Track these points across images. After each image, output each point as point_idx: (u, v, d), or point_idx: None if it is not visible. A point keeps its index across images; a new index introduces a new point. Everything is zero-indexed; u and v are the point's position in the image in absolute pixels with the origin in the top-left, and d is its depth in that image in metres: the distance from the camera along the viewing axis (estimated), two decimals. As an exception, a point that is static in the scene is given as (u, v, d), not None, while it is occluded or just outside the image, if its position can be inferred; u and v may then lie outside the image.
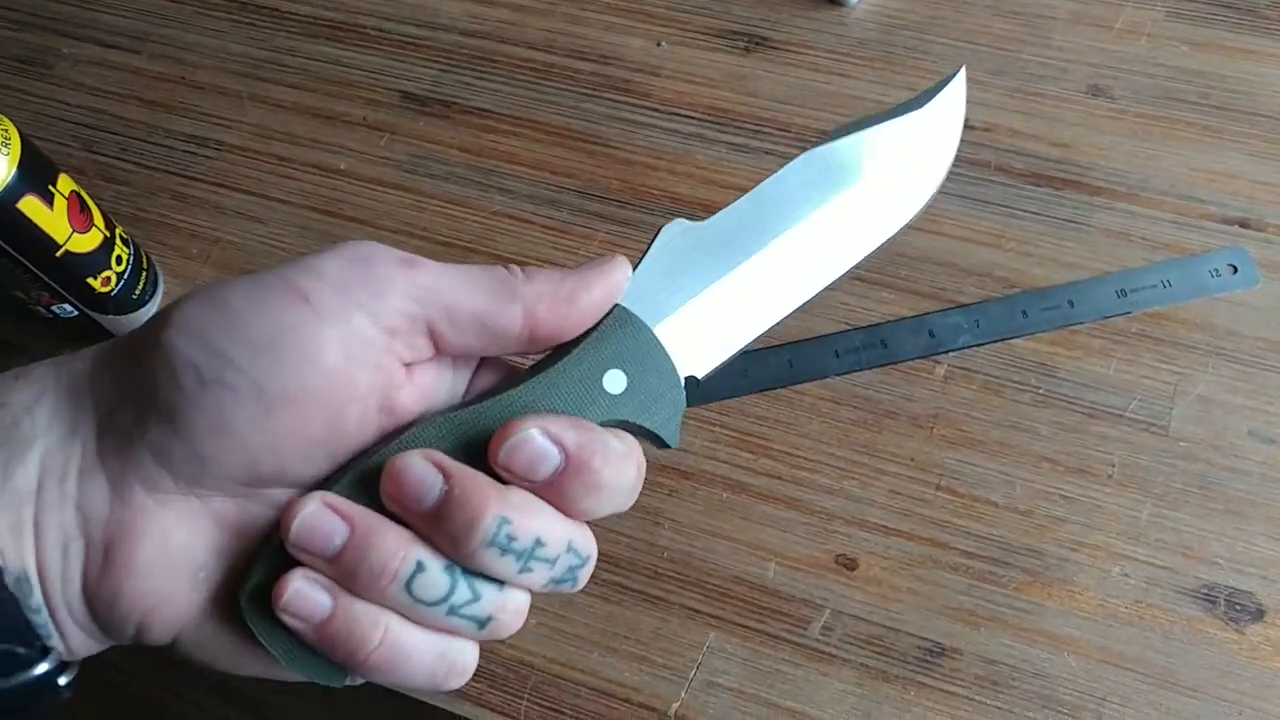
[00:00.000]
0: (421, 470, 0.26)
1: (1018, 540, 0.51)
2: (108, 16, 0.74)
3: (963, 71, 0.36)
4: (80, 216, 0.53)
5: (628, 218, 0.62)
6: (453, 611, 0.27)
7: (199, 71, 0.71)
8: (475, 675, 0.50)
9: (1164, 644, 0.49)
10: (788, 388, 0.56)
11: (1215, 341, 0.55)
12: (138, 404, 0.26)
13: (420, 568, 0.26)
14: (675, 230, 0.32)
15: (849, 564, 0.51)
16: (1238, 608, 0.49)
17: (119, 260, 0.56)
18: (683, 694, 0.50)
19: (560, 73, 0.68)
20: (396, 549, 0.26)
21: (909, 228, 0.35)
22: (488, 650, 0.51)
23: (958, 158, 0.60)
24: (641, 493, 0.53)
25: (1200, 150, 0.60)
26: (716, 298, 0.32)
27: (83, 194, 0.54)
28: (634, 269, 0.32)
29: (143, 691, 0.70)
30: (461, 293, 0.28)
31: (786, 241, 0.32)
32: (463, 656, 0.28)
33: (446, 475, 0.26)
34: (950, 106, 0.36)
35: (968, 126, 0.62)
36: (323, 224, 0.64)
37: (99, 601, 0.26)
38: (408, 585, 0.26)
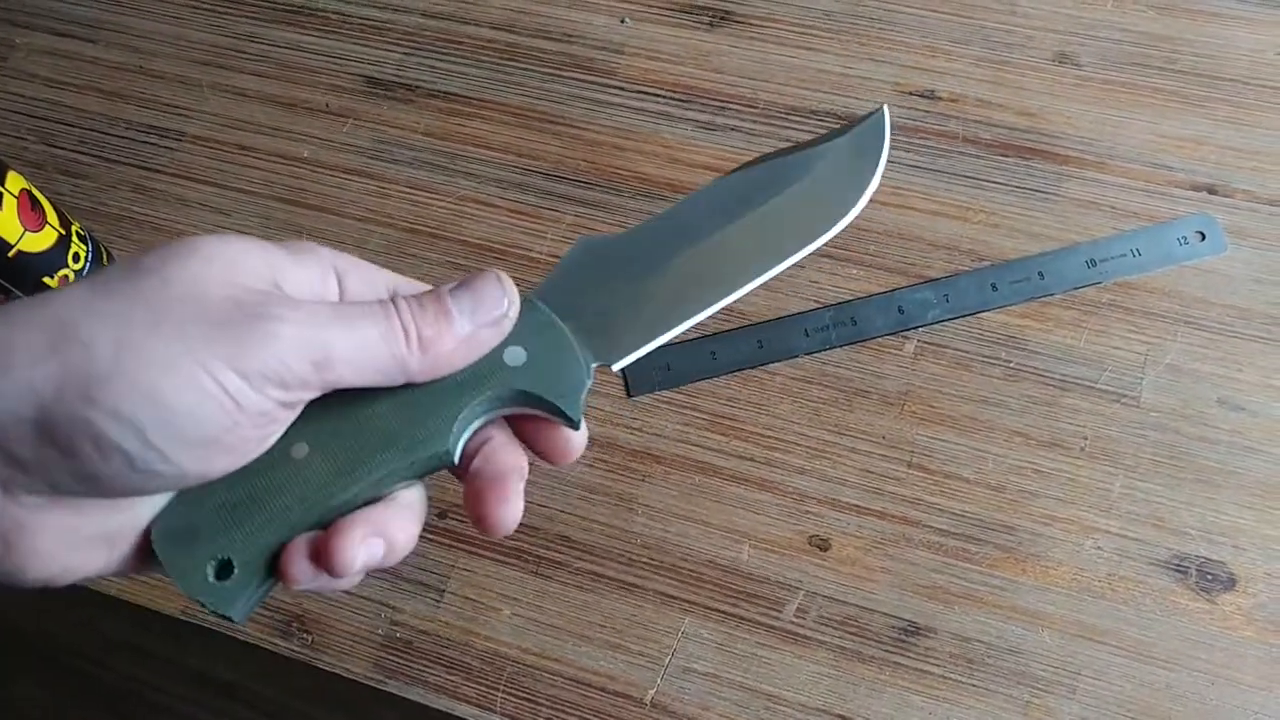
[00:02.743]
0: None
1: (990, 516, 0.51)
2: (61, 4, 0.72)
3: (885, 110, 0.38)
4: (32, 214, 0.52)
5: (596, 199, 0.61)
6: None
7: (157, 60, 0.70)
8: (450, 668, 0.51)
9: (1137, 616, 0.49)
10: (758, 368, 0.56)
11: (1184, 310, 0.55)
12: (50, 457, 0.26)
13: None
14: (588, 243, 0.35)
15: (822, 545, 0.51)
16: (1209, 577, 0.49)
17: (76, 258, 0.56)
18: (659, 680, 0.50)
19: (525, 53, 0.67)
20: None
21: (829, 240, 0.36)
22: (462, 643, 0.51)
23: (925, 130, 0.61)
24: (615, 478, 0.54)
25: (1167, 116, 0.60)
26: (626, 298, 0.34)
27: (34, 191, 0.53)
28: (550, 273, 0.34)
29: (118, 684, 0.70)
30: (357, 359, 0.29)
31: (699, 251, 0.34)
32: None
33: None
34: (869, 140, 0.37)
35: (934, 98, 0.62)
36: (287, 214, 0.63)
37: (4, 574, 0.27)
38: None
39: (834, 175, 0.36)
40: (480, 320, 0.31)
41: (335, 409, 0.30)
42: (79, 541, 0.27)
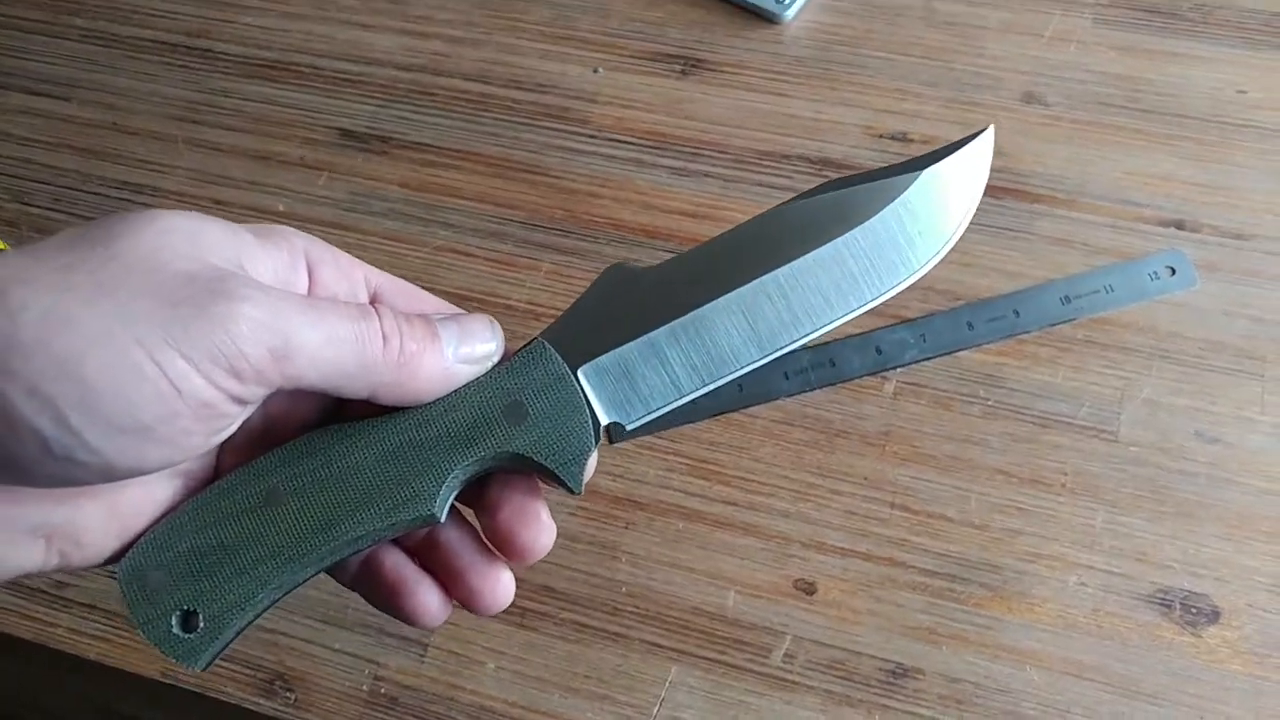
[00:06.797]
0: None
1: (975, 555, 0.51)
2: (34, 64, 0.73)
3: (990, 131, 0.32)
4: (9, 276, 0.52)
5: (572, 247, 0.62)
6: None
7: (132, 117, 0.70)
8: (436, 723, 0.50)
9: (1123, 652, 0.49)
10: (738, 411, 0.56)
11: (1159, 344, 0.55)
12: None
13: None
14: (617, 272, 0.31)
15: (808, 588, 0.51)
16: (1193, 611, 0.49)
17: (52, 318, 0.55)
18: (647, 730, 0.49)
19: (498, 103, 0.67)
20: None
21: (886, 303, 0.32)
22: (448, 698, 0.50)
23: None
24: (597, 526, 0.53)
25: (1132, 154, 0.61)
26: (655, 344, 0.30)
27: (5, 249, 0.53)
28: (570, 308, 0.31)
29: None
30: (321, 356, 0.27)
31: (750, 291, 0.30)
32: None
33: None
34: (957, 172, 0.32)
35: (906, 140, 0.62)
36: (263, 267, 0.63)
37: None
38: None
39: (922, 208, 0.31)
40: (464, 354, 0.29)
41: (316, 453, 0.28)
42: (15, 535, 0.26)
